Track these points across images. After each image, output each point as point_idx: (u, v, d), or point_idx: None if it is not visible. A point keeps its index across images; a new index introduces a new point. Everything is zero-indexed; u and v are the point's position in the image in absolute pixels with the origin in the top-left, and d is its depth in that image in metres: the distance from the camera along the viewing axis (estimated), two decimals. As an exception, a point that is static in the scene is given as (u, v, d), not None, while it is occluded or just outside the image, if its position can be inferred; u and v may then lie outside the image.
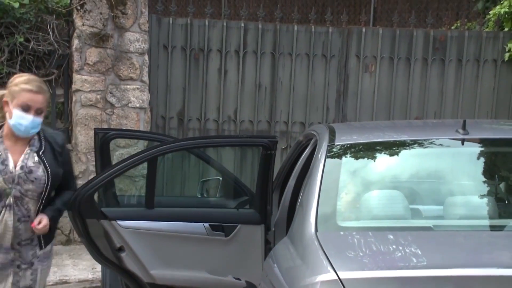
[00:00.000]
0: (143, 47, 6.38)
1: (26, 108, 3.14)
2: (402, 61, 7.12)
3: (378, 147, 3.39)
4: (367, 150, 3.39)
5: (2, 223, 3.23)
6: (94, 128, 4.60)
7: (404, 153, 3.38)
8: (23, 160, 3.23)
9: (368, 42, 7.07)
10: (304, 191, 3.13)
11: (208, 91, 6.91)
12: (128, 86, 6.38)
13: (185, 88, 6.84)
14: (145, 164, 3.88)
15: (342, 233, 2.80)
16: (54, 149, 3.32)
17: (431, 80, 7.17)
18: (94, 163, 4.91)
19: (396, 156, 3.37)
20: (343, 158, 3.32)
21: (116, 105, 6.35)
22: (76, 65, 6.24)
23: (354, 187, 3.16)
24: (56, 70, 6.35)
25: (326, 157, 3.18)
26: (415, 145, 3.39)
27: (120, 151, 6.22)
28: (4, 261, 3.25)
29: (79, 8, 6.17)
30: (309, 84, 7.03)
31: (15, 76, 3.26)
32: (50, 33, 6.20)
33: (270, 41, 6.95)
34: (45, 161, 3.29)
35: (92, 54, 6.24)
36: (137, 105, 6.39)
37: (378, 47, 7.07)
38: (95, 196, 3.75)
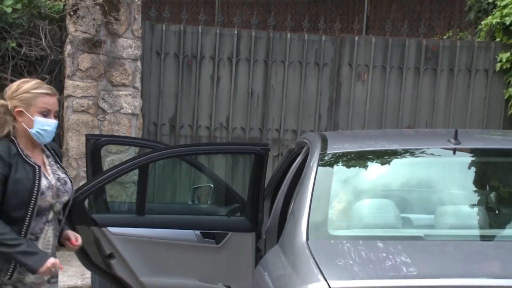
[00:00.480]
0: (136, 53, 6.38)
1: (46, 113, 2.94)
2: (394, 70, 7.15)
3: (370, 156, 3.40)
4: (359, 159, 3.39)
5: (46, 240, 2.98)
6: (86, 134, 4.59)
7: (396, 162, 3.38)
8: (54, 171, 3.02)
9: (360, 50, 7.10)
10: (296, 199, 3.13)
11: (201, 98, 6.91)
12: (120, 92, 6.37)
13: (177, 94, 6.83)
14: (136, 171, 3.87)
15: (333, 241, 2.81)
16: (60, 158, 3.17)
17: (423, 89, 7.20)
18: (85, 169, 4.89)
19: (387, 165, 3.38)
20: (335, 166, 3.32)
21: (108, 111, 6.33)
22: (68, 71, 6.23)
23: (345, 196, 3.16)
24: (48, 75, 6.34)
25: (318, 165, 3.19)
26: (407, 154, 3.40)
27: (112, 157, 6.21)
28: (41, 281, 2.99)
29: (72, 13, 6.17)
30: (302, 92, 7.04)
31: (15, 84, 3.01)
32: (43, 38, 6.19)
33: (263, 48, 6.97)
34: (66, 170, 3.14)
35: (85, 60, 6.24)
36: (129, 111, 6.39)
37: (370, 55, 7.10)
38: (86, 203, 3.73)
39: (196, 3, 11.49)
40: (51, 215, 2.99)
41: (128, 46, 6.34)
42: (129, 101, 6.38)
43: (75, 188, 3.22)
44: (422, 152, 3.41)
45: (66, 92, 6.26)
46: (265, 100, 7.02)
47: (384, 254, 2.65)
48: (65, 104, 6.29)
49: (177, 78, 6.83)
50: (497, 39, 7.34)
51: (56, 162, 3.08)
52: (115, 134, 6.17)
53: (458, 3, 9.67)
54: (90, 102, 6.28)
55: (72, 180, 3.13)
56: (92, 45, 6.21)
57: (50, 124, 2.95)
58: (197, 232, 3.79)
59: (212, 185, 4.60)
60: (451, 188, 3.32)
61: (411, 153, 3.41)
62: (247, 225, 3.79)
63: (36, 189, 2.88)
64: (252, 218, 3.81)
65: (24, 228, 2.88)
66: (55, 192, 2.98)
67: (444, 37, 8.36)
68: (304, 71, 7.03)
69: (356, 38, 7.14)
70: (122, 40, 6.33)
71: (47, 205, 2.95)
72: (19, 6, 6.12)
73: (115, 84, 6.35)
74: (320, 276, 2.45)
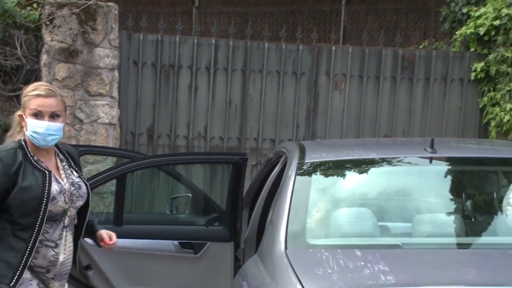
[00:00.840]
0: (113, 63, 6.35)
1: (38, 115, 2.84)
2: (371, 79, 7.21)
3: (347, 165, 3.42)
4: (336, 168, 3.41)
5: (67, 247, 2.90)
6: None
7: (373, 171, 3.41)
8: (67, 176, 2.93)
9: (338, 60, 7.14)
10: (274, 209, 3.14)
11: (178, 107, 6.90)
12: (98, 102, 6.33)
13: (155, 104, 6.81)
14: (114, 181, 3.84)
15: (311, 250, 2.82)
16: (75, 162, 3.06)
17: (399, 98, 7.26)
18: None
19: (365, 174, 3.40)
20: (313, 175, 3.34)
21: (85, 121, 6.29)
22: (44, 80, 6.17)
23: (323, 205, 3.17)
24: (24, 85, 6.27)
25: (296, 174, 3.20)
26: (384, 163, 3.43)
27: (89, 167, 6.16)
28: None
29: (48, 23, 6.13)
30: (280, 101, 7.06)
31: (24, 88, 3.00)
32: (18, 48, 6.14)
33: (241, 58, 6.98)
34: (82, 174, 3.04)
35: (61, 70, 6.19)
36: (107, 121, 6.35)
37: (347, 65, 7.14)
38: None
39: (174, 13, 11.48)
40: (67, 220, 2.90)
41: (105, 55, 6.31)
42: (106, 111, 6.35)
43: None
44: (399, 161, 3.43)
45: (42, 102, 6.20)
46: (243, 109, 7.03)
47: (362, 263, 2.66)
48: (41, 114, 6.23)
49: (154, 87, 6.81)
50: (472, 49, 7.44)
51: (70, 166, 2.98)
52: (92, 144, 6.13)
53: (433, 14, 9.79)
54: (67, 112, 6.22)
55: (88, 184, 3.03)
56: (68, 54, 6.17)
57: (41, 125, 2.83)
58: (175, 242, 3.78)
59: (190, 195, 4.59)
60: (428, 196, 3.35)
61: (388, 162, 3.43)
62: (225, 234, 3.79)
63: (46, 195, 2.80)
64: (230, 227, 3.81)
65: (34, 234, 2.80)
66: (68, 197, 2.89)
67: (420, 46, 8.45)
68: (282, 81, 7.05)
69: (333, 48, 7.19)
70: (99, 50, 6.30)
71: (60, 210, 2.87)
72: (-6, 15, 6.07)
73: (92, 93, 6.31)
74: (298, 286, 2.45)
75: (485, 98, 7.29)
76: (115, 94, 6.39)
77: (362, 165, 3.43)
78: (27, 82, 6.29)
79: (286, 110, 7.08)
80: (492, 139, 6.83)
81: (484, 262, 2.70)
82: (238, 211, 3.80)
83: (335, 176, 3.42)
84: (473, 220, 3.27)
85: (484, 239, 3.05)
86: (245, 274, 3.11)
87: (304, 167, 3.29)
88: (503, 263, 2.69)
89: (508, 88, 7.08)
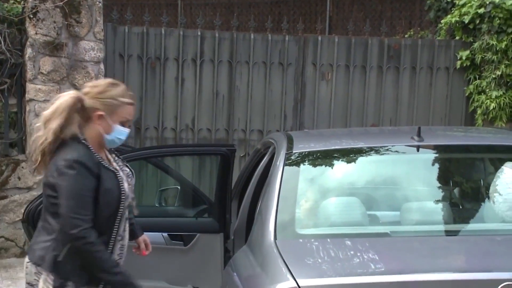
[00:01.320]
0: (99, 55, 6.31)
1: (125, 122, 2.85)
2: (357, 69, 7.22)
3: (335, 155, 3.43)
4: (324, 158, 3.42)
5: (126, 237, 2.92)
6: (49, 138, 4.51)
7: (361, 160, 3.42)
8: (121, 168, 2.91)
9: (324, 50, 7.15)
10: (263, 199, 3.14)
11: (166, 100, 6.87)
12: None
13: (142, 97, 6.78)
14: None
15: (301, 240, 2.83)
16: (117, 151, 3.06)
17: (386, 87, 7.28)
18: (49, 174, 4.81)
19: (353, 163, 3.41)
20: (301, 165, 3.34)
21: (71, 115, 6.24)
22: (29, 74, 6.13)
23: (312, 195, 3.18)
24: (8, 79, 6.22)
25: (284, 165, 3.20)
26: (372, 152, 3.44)
27: (76, 161, 6.12)
28: None
29: (31, 16, 6.07)
30: (267, 92, 7.06)
31: (101, 85, 2.85)
32: (2, 42, 6.07)
33: (227, 49, 6.96)
34: (126, 163, 3.00)
35: (46, 63, 6.14)
36: (93, 115, 6.30)
37: (334, 55, 7.15)
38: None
39: (159, 5, 11.42)
40: (126, 213, 2.91)
41: (90, 48, 6.26)
42: (92, 104, 6.30)
43: (39, 193, 3.16)
44: (387, 150, 3.45)
45: (27, 96, 6.16)
46: (230, 101, 7.02)
47: (351, 252, 2.67)
48: (27, 108, 6.18)
49: (141, 80, 6.78)
50: (457, 37, 7.47)
51: (116, 155, 2.98)
52: (79, 138, 6.09)
53: (418, 3, 9.81)
54: (53, 106, 6.18)
55: (133, 171, 3.01)
56: (53, 48, 6.12)
57: (126, 133, 2.87)
58: (165, 234, 3.77)
59: (179, 187, 4.58)
60: (416, 184, 3.37)
61: (376, 151, 3.45)
62: (215, 226, 3.79)
63: (123, 196, 2.82)
64: (219, 219, 3.81)
65: (113, 235, 2.81)
66: (130, 191, 2.89)
67: (406, 36, 8.47)
68: (269, 71, 7.04)
69: (319, 38, 7.18)
70: (84, 43, 6.25)
71: (127, 206, 2.89)
72: (-24, 9, 6.00)
73: (78, 87, 6.23)
74: (289, 275, 2.46)
75: (471, 86, 7.33)
76: (101, 87, 6.34)
77: (350, 155, 3.44)
78: (12, 76, 6.24)
79: (274, 101, 7.08)
80: (478, 127, 6.87)
81: (472, 249, 2.72)
82: (227, 202, 3.80)
83: (323, 166, 3.43)
84: (460, 207, 3.29)
85: (472, 226, 3.07)
86: (235, 265, 3.11)
87: (292, 157, 3.30)
88: (491, 249, 2.71)
89: (494, 76, 7.13)
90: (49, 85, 6.17)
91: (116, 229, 2.82)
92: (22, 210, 4.84)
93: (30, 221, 3.48)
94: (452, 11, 7.58)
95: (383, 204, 3.30)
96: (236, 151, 4.02)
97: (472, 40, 7.34)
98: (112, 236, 2.81)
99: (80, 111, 2.79)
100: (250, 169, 4.14)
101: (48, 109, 2.85)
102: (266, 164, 3.64)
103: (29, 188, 6.21)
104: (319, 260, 2.64)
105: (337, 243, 2.74)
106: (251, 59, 6.99)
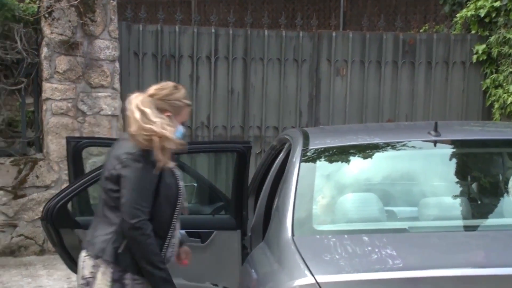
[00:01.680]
0: (114, 54, 6.34)
1: (184, 123, 3.07)
2: (372, 64, 7.19)
3: (351, 151, 3.41)
4: (341, 154, 3.41)
5: (177, 237, 3.04)
6: (66, 137, 4.56)
7: (378, 155, 3.40)
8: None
9: (338, 46, 7.13)
10: (280, 196, 3.14)
11: (181, 97, 6.88)
12: (100, 94, 6.33)
13: (157, 94, 6.79)
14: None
15: (318, 236, 2.82)
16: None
17: (401, 82, 7.25)
18: (66, 172, 4.86)
19: (369, 159, 3.39)
20: (318, 162, 3.33)
21: (87, 113, 6.29)
22: (45, 74, 6.18)
23: (329, 191, 3.17)
24: (25, 79, 6.28)
25: (301, 161, 3.19)
26: (388, 147, 3.42)
27: (93, 159, 6.15)
28: None
29: (47, 16, 6.11)
30: (282, 89, 7.06)
31: (167, 88, 3.01)
32: (18, 41, 6.13)
33: (241, 46, 6.97)
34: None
35: (62, 62, 6.19)
36: (109, 113, 6.35)
37: (348, 50, 7.13)
38: (69, 205, 3.71)
39: (172, 3, 11.45)
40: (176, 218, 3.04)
41: (105, 47, 6.30)
42: (108, 103, 6.35)
43: (57, 191, 3.20)
44: (403, 145, 3.42)
45: (44, 95, 6.21)
46: (245, 97, 7.02)
47: (369, 248, 2.66)
48: (44, 107, 6.24)
49: (156, 78, 6.79)
50: (473, 31, 7.42)
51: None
52: (96, 136, 6.13)
53: (433, -3, 9.75)
54: (69, 105, 6.23)
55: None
56: (68, 47, 6.17)
57: (183, 132, 3.05)
58: (182, 231, 3.78)
59: (195, 184, 4.58)
60: (433, 180, 3.34)
61: (393, 146, 3.42)
62: (232, 223, 3.80)
63: (180, 191, 2.96)
64: (236, 216, 3.81)
65: (170, 231, 2.93)
66: (185, 192, 3.05)
67: (421, 30, 8.42)
68: (283, 68, 7.04)
69: (334, 34, 7.17)
70: (99, 41, 6.29)
71: (183, 205, 3.03)
72: (-7, 9, 6.05)
73: (93, 85, 6.30)
74: (307, 272, 2.46)
75: (487, 80, 7.28)
76: (117, 85, 6.39)
77: (366, 150, 3.42)
78: (28, 76, 6.30)
79: (289, 97, 7.08)
80: (496, 121, 6.82)
81: (491, 244, 2.70)
82: (244, 199, 3.81)
83: (340, 162, 3.42)
84: (479, 202, 3.27)
85: (490, 221, 3.05)
86: (253, 261, 3.11)
87: (308, 153, 3.29)
88: (510, 244, 2.69)
89: (511, 70, 7.06)
90: (65, 84, 6.21)
91: (173, 226, 2.93)
92: (41, 208, 4.89)
93: (49, 219, 3.51)
94: (468, 5, 7.53)
95: (401, 200, 3.28)
96: (252, 147, 4.02)
97: (488, 34, 7.28)
98: (170, 233, 2.93)
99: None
100: (266, 165, 4.13)
101: (131, 111, 2.91)
102: (282, 161, 3.63)
103: (47, 187, 6.27)
104: (337, 256, 2.63)
105: (355, 239, 2.73)
106: (265, 56, 6.99)
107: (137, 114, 2.86)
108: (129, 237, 2.81)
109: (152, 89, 2.99)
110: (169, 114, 2.96)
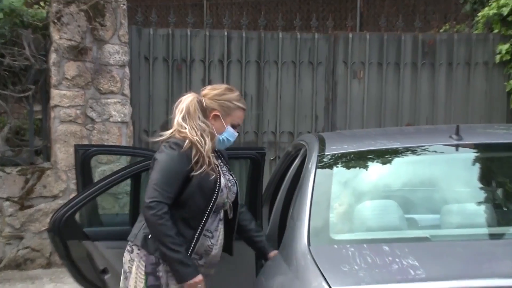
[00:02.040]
0: (124, 59, 6.35)
1: (236, 126, 3.22)
2: (391, 66, 7.14)
3: (370, 156, 3.39)
4: (358, 159, 3.39)
5: (219, 239, 3.21)
6: (74, 145, 4.55)
7: (397, 161, 3.37)
8: (223, 172, 3.21)
9: (355, 47, 7.09)
10: (295, 204, 3.13)
11: (192, 103, 6.87)
12: (109, 100, 6.33)
13: (168, 100, 6.80)
14: (128, 181, 3.83)
15: (336, 246, 2.79)
16: (226, 161, 3.33)
17: (421, 85, 7.19)
18: (75, 181, 4.85)
19: (389, 164, 3.37)
20: (334, 168, 3.32)
21: (96, 120, 6.30)
22: (54, 80, 6.19)
23: (346, 198, 3.15)
24: (33, 86, 6.30)
25: (317, 167, 3.18)
26: (408, 152, 3.39)
27: (102, 167, 6.16)
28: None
29: (56, 21, 6.13)
30: (297, 93, 7.03)
31: (220, 89, 3.23)
32: (26, 47, 6.15)
33: (255, 49, 6.95)
34: (232, 173, 3.31)
35: (71, 68, 6.20)
36: (119, 119, 6.35)
37: (366, 52, 7.09)
38: (77, 216, 3.69)
39: (184, 6, 11.47)
40: (221, 214, 3.20)
41: (115, 52, 6.31)
42: (118, 109, 6.35)
43: (65, 201, 3.22)
44: (424, 150, 3.40)
45: (52, 102, 6.23)
46: (259, 102, 7.00)
47: (389, 258, 2.63)
48: (52, 114, 6.25)
49: (167, 83, 6.80)
50: (495, 31, 7.34)
51: (224, 164, 3.28)
52: (105, 144, 6.13)
53: (453, -5, 9.69)
54: (78, 112, 6.24)
55: (237, 183, 3.28)
56: (77, 52, 6.18)
57: (235, 136, 3.23)
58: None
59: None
60: (456, 185, 3.30)
61: (413, 151, 3.40)
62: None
63: (218, 185, 3.09)
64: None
65: (202, 223, 3.07)
66: (227, 192, 3.18)
67: (441, 30, 8.36)
68: (298, 71, 7.01)
69: (350, 35, 7.13)
70: (109, 46, 6.30)
71: (221, 202, 3.16)
72: (0, 15, 6.08)
73: (103, 92, 6.31)
74: (324, 283, 2.42)
75: (511, 81, 7.19)
76: (127, 91, 6.39)
77: (385, 156, 3.40)
78: (36, 83, 6.32)
79: (304, 101, 7.05)
80: (520, 124, 6.74)
81: (518, 253, 2.65)
82: (258, 207, 3.78)
83: (358, 168, 3.40)
84: (504, 209, 3.22)
85: (517, 228, 2.99)
86: (268, 272, 3.09)
87: (325, 159, 3.28)
88: (539, 253, 2.64)
89: (536, 70, 6.98)
90: (73, 90, 6.22)
91: (203, 221, 3.06)
92: (48, 220, 4.88)
93: (56, 230, 3.49)
94: (490, 3, 7.46)
95: (422, 207, 3.24)
96: (266, 154, 4.00)
97: (511, 33, 7.20)
98: (199, 228, 3.05)
99: (199, 110, 3.16)
100: (281, 172, 4.12)
101: (176, 111, 3.18)
102: (297, 167, 3.62)
103: (54, 197, 6.27)
104: (356, 267, 2.59)
105: (374, 249, 2.69)
106: (279, 58, 6.97)
107: (178, 115, 3.12)
108: (144, 216, 2.99)
109: (206, 89, 3.22)
110: (217, 113, 3.16)
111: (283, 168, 4.13)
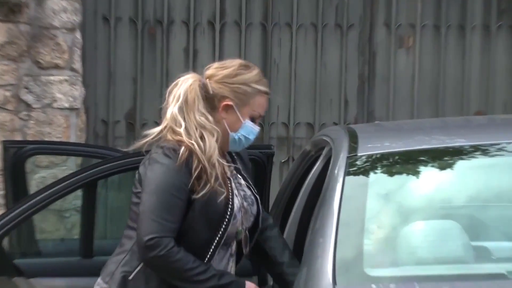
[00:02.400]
0: (73, 20, 6.38)
1: (256, 118, 3.14)
2: (452, 30, 7.18)
3: (422, 158, 3.40)
4: (406, 163, 3.41)
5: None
6: (2, 141, 4.58)
7: (462, 165, 3.38)
8: (237, 187, 3.15)
9: (402, 4, 7.12)
10: (316, 225, 3.13)
11: (171, 81, 6.87)
12: (52, 78, 6.36)
13: (136, 78, 6.83)
14: (79, 192, 3.84)
15: (373, 286, 2.78)
16: (244, 164, 3.29)
17: (496, 56, 7.22)
18: (2, 192, 4.87)
19: (449, 170, 3.37)
20: (371, 175, 3.33)
21: (34, 106, 6.32)
22: (-26, 49, 6.23)
23: (388, 218, 3.16)
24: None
25: (346, 174, 3.18)
26: (477, 153, 3.42)
27: (42, 173, 6.20)
28: None
29: (-23, -35, 6.16)
30: (318, 68, 7.06)
31: (232, 66, 3.15)
32: None
33: (260, 7, 6.99)
34: (251, 183, 3.24)
35: (-2, 32, 6.23)
36: (66, 105, 6.38)
37: (417, 11, 7.12)
38: (5, 242, 3.71)
39: None
40: (234, 246, 3.14)
41: (61, 9, 6.33)
42: (65, 90, 6.38)
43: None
44: (500, 150, 3.40)
45: (-28, 80, 6.26)
46: (265, 81, 7.01)
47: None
48: (-29, 98, 6.28)
49: (135, 54, 6.84)
50: None
51: (237, 170, 3.20)
52: (46, 140, 6.15)
53: None
54: (8, 94, 6.26)
55: (258, 197, 3.22)
56: (8, 10, 6.20)
57: (255, 132, 3.14)
58: None
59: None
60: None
61: (484, 151, 3.42)
62: (246, 267, 3.77)
63: (229, 209, 3.02)
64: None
65: (207, 259, 3.00)
66: (243, 215, 3.11)
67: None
68: (321, 38, 7.05)
69: (395, -13, 7.16)
70: (52, 2, 6.32)
71: (234, 232, 3.08)
72: None
73: (44, 66, 6.34)
74: None
75: None
76: (78, 65, 6.43)
77: (444, 158, 3.41)
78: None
79: (328, 80, 7.08)
80: None
81: None
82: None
83: (404, 175, 3.41)
84: None
85: None
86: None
87: (357, 162, 3.29)
88: None
89: None
90: (1, 63, 6.24)
91: (211, 252, 3.00)
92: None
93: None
94: None
95: (496, 231, 3.26)
96: (275, 154, 4.00)
97: None
98: (205, 261, 3.00)
99: (202, 98, 3.08)
100: (296, 180, 4.14)
101: (174, 100, 3.12)
102: (318, 174, 3.64)
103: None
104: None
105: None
106: (294, 20, 7.01)
107: (173, 105, 3.08)
108: (144, 261, 2.92)
109: (212, 68, 3.15)
110: (229, 103, 3.06)
111: (298, 174, 4.14)
